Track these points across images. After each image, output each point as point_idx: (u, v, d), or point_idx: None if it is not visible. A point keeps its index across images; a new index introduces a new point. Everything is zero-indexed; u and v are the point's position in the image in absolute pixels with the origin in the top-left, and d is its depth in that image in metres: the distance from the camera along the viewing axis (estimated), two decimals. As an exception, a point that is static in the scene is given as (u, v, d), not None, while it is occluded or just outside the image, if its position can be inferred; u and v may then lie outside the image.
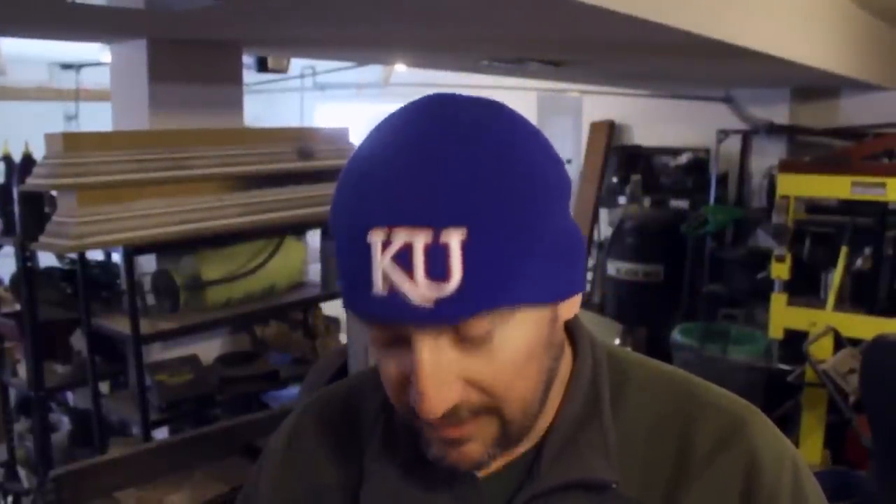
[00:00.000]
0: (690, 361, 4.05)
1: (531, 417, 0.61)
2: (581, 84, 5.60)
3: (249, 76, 3.60)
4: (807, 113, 4.87)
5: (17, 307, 2.69)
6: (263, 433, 1.89)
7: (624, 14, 1.77)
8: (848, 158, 3.38)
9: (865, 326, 3.17)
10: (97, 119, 4.27)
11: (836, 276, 3.48)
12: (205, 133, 2.55)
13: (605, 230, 5.54)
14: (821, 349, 3.19)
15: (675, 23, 2.00)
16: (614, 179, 5.52)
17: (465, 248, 0.51)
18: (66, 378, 2.60)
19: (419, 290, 0.51)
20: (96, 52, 3.72)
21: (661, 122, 5.51)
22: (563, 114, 5.93)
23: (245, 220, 2.53)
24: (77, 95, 5.87)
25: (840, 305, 3.46)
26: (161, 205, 2.30)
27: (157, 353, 2.57)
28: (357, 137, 0.74)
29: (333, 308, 3.00)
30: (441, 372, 0.54)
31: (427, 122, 0.55)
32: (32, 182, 2.16)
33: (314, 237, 3.04)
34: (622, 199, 5.33)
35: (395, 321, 0.54)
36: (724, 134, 4.92)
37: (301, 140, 2.78)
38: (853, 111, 4.81)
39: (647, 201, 5.13)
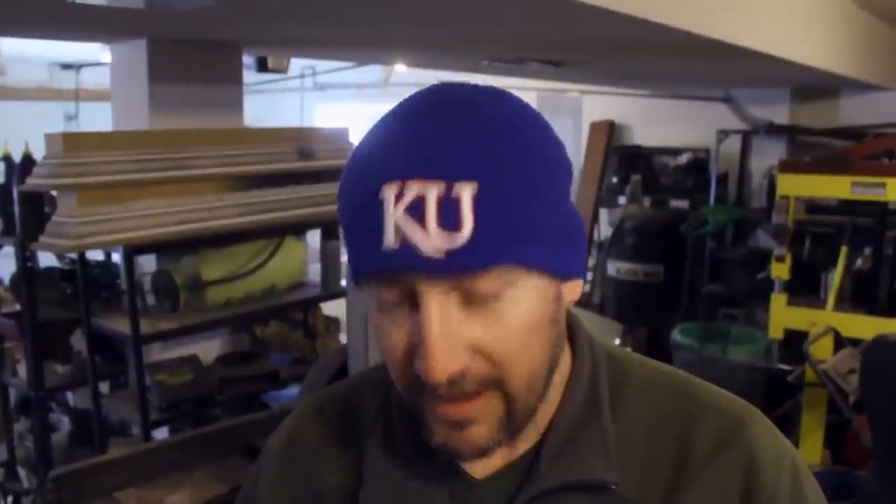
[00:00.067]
0: (690, 361, 4.05)
1: (535, 396, 0.60)
2: (581, 84, 5.60)
3: (249, 76, 3.60)
4: (807, 113, 4.86)
5: (17, 307, 2.69)
6: (263, 433, 1.88)
7: (624, 14, 1.77)
8: (848, 158, 3.38)
9: (865, 326, 3.17)
10: (97, 119, 4.26)
11: (836, 276, 3.48)
12: (205, 133, 2.55)
13: (605, 230, 5.54)
14: (821, 349, 3.19)
15: (675, 23, 2.00)
16: (614, 179, 5.51)
17: (477, 201, 0.53)
18: (66, 378, 2.60)
19: (431, 240, 0.52)
20: (96, 52, 3.72)
21: (661, 122, 5.51)
22: (563, 114, 5.93)
23: (245, 220, 2.53)
24: (77, 95, 5.86)
25: (840, 305, 3.46)
26: (161, 205, 2.30)
27: (157, 353, 2.57)
28: (357, 137, 0.74)
29: (333, 308, 3.00)
30: (449, 333, 0.55)
31: (435, 95, 0.59)
32: (32, 182, 2.16)
33: (314, 237, 3.04)
34: (622, 199, 5.33)
35: (408, 271, 0.54)
36: (724, 134, 4.91)
37: (301, 140, 2.78)
38: (853, 111, 4.80)
39: (647, 201, 5.12)
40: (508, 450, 0.65)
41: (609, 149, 5.66)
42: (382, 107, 0.62)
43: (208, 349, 2.75)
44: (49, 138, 2.16)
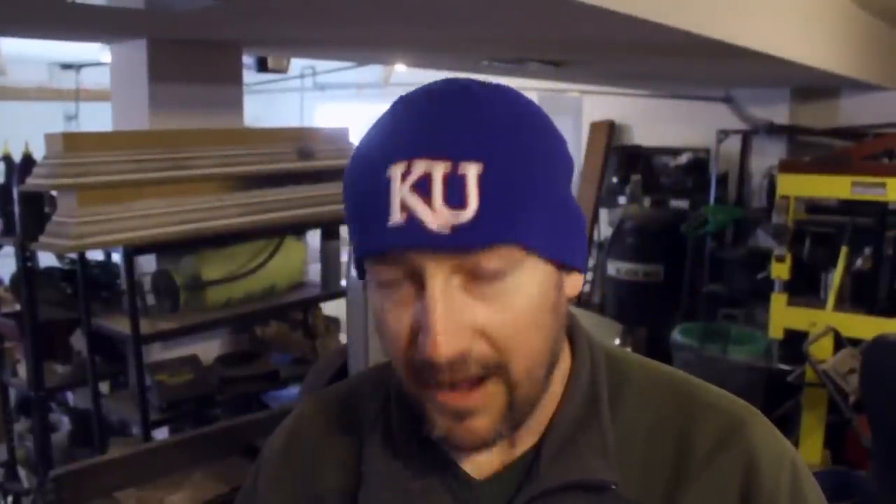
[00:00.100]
0: (690, 361, 4.05)
1: (535, 386, 0.60)
2: (581, 84, 5.60)
3: (249, 76, 3.60)
4: (807, 113, 4.86)
5: (17, 307, 2.69)
6: (263, 433, 1.88)
7: (624, 14, 1.77)
8: (848, 158, 3.38)
9: (865, 326, 3.17)
10: (97, 119, 4.26)
11: (836, 276, 3.48)
12: (205, 133, 2.55)
13: (605, 230, 5.54)
14: (821, 349, 3.19)
15: (675, 23, 2.00)
16: (614, 179, 5.51)
17: (482, 180, 0.54)
18: (66, 378, 2.60)
19: (437, 216, 0.53)
20: (96, 52, 3.72)
21: (661, 122, 5.51)
22: (563, 114, 5.93)
23: (245, 220, 2.53)
24: (77, 95, 5.86)
25: (840, 305, 3.46)
26: (161, 205, 2.30)
27: (157, 353, 2.57)
28: (357, 137, 0.74)
29: (333, 308, 3.00)
30: (453, 311, 0.55)
31: (443, 84, 0.60)
32: (32, 182, 2.16)
33: (314, 237, 3.04)
34: (622, 199, 5.33)
35: (413, 247, 0.54)
36: (724, 134, 4.91)
37: (301, 140, 2.78)
38: (853, 111, 4.80)
39: (647, 201, 5.12)
40: (508, 450, 0.65)
41: (609, 149, 5.66)
42: (382, 107, 0.62)
43: (208, 349, 2.75)
44: (49, 138, 2.16)
